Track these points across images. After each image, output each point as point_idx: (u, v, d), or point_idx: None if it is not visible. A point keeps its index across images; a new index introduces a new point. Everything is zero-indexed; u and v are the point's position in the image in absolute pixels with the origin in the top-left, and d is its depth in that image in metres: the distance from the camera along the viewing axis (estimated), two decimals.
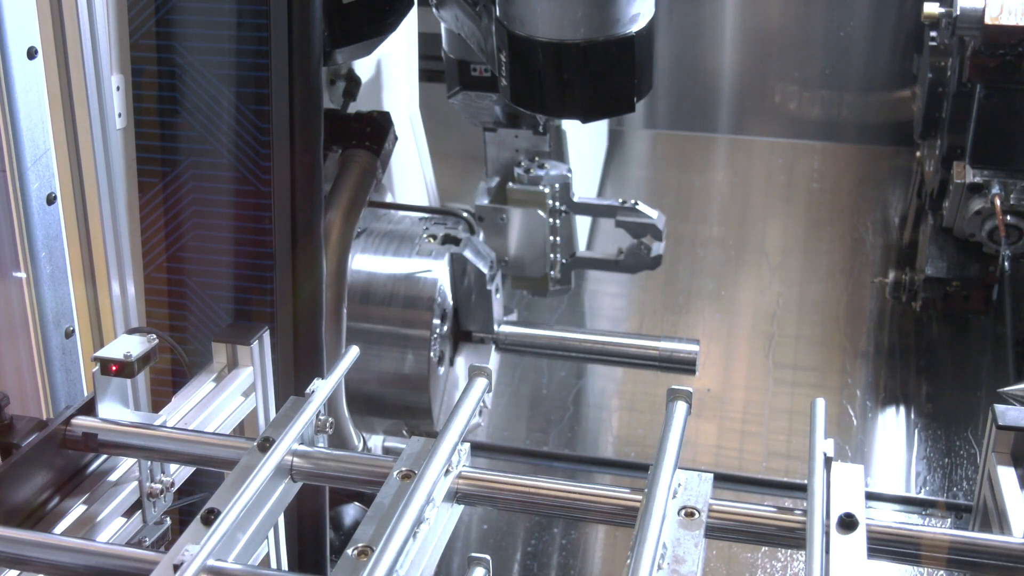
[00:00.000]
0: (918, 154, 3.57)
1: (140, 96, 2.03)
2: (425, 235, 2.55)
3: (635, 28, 1.82)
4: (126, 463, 1.68)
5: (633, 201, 3.01)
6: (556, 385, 3.46)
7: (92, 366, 1.65)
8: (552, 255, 3.05)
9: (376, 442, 2.77)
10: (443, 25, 2.46)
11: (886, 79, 4.16)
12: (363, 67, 2.67)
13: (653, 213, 2.99)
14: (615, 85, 1.87)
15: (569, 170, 3.00)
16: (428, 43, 3.05)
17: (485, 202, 2.98)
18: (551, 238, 3.01)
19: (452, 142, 3.41)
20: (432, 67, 3.19)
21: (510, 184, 2.95)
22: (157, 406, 1.97)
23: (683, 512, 1.33)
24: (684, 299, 3.76)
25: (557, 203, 2.99)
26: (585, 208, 3.05)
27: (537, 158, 2.98)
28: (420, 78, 3.18)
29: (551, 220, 2.98)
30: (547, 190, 2.94)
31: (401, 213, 2.71)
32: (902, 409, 3.33)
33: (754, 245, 3.92)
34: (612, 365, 3.34)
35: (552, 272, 3.07)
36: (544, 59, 1.82)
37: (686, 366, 2.68)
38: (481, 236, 2.83)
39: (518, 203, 2.95)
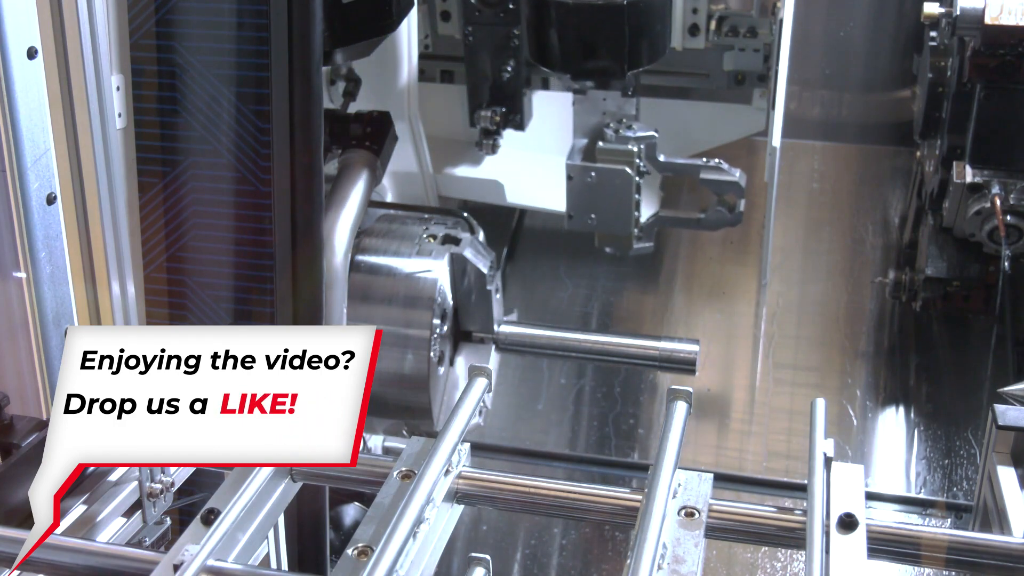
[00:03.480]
0: (918, 154, 3.57)
1: (140, 96, 2.03)
2: (425, 235, 2.55)
3: None
4: None
5: (716, 160, 3.05)
6: (556, 385, 3.46)
7: None
8: (636, 213, 3.07)
9: (376, 442, 2.77)
10: None
11: (886, 79, 4.15)
12: (363, 67, 2.67)
13: (735, 172, 3.03)
14: (604, 50, 1.86)
15: (656, 131, 3.03)
16: None
17: (576, 161, 3.00)
18: (636, 196, 3.03)
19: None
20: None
21: (600, 143, 2.97)
22: None
23: (683, 512, 1.33)
24: (684, 299, 3.76)
25: (643, 162, 3.02)
26: (670, 167, 3.08)
27: (624, 119, 3.01)
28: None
29: (637, 179, 3.01)
30: (635, 149, 2.96)
31: (401, 213, 2.71)
32: (902, 409, 3.33)
33: (754, 245, 3.91)
34: (612, 365, 3.34)
35: (635, 231, 3.10)
36: (546, 16, 1.83)
37: (686, 366, 2.68)
38: (481, 236, 2.83)
39: (607, 161, 2.97)
